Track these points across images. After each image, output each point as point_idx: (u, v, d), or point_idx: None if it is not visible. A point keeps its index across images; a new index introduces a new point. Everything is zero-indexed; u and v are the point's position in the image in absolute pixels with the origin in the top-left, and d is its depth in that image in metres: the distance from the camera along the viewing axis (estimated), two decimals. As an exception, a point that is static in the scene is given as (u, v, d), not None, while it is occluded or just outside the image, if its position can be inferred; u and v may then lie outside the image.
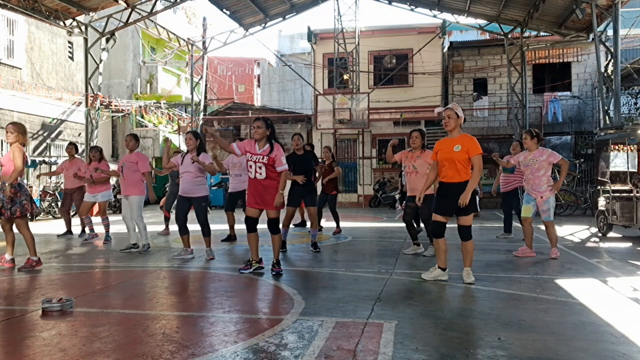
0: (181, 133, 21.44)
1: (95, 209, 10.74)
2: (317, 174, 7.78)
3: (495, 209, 16.42)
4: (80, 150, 16.34)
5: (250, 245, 5.63)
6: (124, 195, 7.26)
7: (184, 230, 6.58)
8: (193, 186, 6.51)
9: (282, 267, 5.63)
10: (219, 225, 10.33)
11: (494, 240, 8.52)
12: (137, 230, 7.28)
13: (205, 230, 6.61)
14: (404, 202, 7.02)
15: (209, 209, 15.58)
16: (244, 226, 5.61)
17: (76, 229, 9.57)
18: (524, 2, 15.44)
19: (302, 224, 10.41)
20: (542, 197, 6.52)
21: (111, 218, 9.25)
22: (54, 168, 14.92)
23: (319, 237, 8.90)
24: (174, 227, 9.18)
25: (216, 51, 21.93)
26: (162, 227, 9.85)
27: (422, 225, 7.26)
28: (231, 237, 8.40)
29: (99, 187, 8.53)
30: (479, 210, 14.25)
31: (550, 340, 3.23)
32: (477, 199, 14.50)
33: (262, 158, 5.35)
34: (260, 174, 5.37)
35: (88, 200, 8.63)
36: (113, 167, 14.09)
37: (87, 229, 8.86)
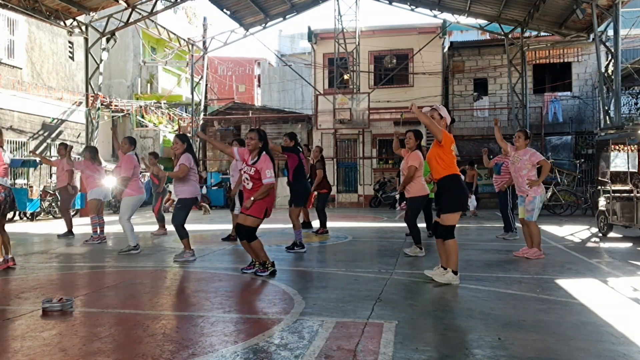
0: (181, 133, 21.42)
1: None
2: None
3: (495, 209, 16.40)
4: (79, 150, 16.35)
5: (246, 251, 5.60)
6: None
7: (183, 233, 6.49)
8: (176, 187, 6.53)
9: (283, 267, 5.60)
10: (219, 225, 10.34)
11: (494, 240, 8.51)
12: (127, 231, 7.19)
13: (178, 233, 6.42)
14: (404, 202, 7.01)
15: (209, 208, 15.66)
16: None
17: (81, 228, 9.60)
18: (525, 2, 15.44)
19: (307, 224, 10.37)
20: (527, 196, 6.56)
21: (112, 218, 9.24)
22: (54, 168, 14.93)
23: (322, 238, 8.90)
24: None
25: (216, 51, 21.94)
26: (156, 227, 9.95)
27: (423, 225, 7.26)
28: (231, 237, 8.39)
29: (88, 186, 8.59)
30: (473, 209, 14.32)
31: (550, 340, 3.23)
32: (474, 198, 14.46)
33: (250, 169, 5.32)
34: (248, 184, 5.36)
35: (100, 200, 8.64)
36: (111, 167, 14.13)
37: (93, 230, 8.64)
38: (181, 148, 6.46)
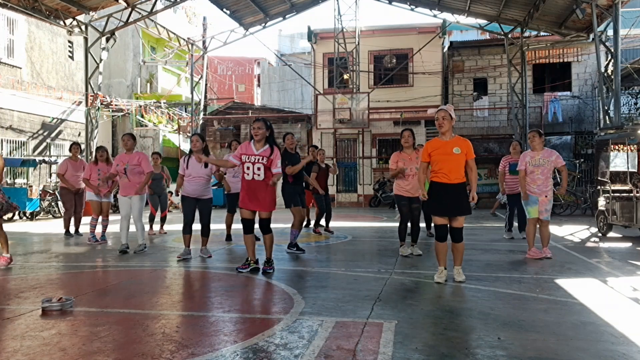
0: (181, 133, 21.43)
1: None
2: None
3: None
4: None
5: (247, 246, 5.69)
6: (126, 195, 7.11)
7: (190, 230, 6.62)
8: (204, 188, 6.61)
9: (282, 267, 5.61)
10: (218, 225, 10.31)
11: (494, 240, 8.51)
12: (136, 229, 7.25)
13: (207, 231, 6.74)
14: (409, 205, 6.75)
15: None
16: (238, 226, 5.64)
17: (85, 228, 9.63)
18: (524, 2, 15.43)
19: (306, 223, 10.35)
20: (546, 197, 6.53)
21: (110, 218, 9.22)
22: (54, 167, 14.92)
23: (323, 237, 8.89)
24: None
25: (216, 51, 21.93)
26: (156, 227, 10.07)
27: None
28: (230, 237, 8.43)
29: (108, 189, 8.51)
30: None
31: (550, 340, 3.23)
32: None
33: (262, 159, 5.38)
34: (259, 175, 5.40)
35: (97, 200, 8.44)
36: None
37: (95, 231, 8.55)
38: (201, 146, 6.51)
